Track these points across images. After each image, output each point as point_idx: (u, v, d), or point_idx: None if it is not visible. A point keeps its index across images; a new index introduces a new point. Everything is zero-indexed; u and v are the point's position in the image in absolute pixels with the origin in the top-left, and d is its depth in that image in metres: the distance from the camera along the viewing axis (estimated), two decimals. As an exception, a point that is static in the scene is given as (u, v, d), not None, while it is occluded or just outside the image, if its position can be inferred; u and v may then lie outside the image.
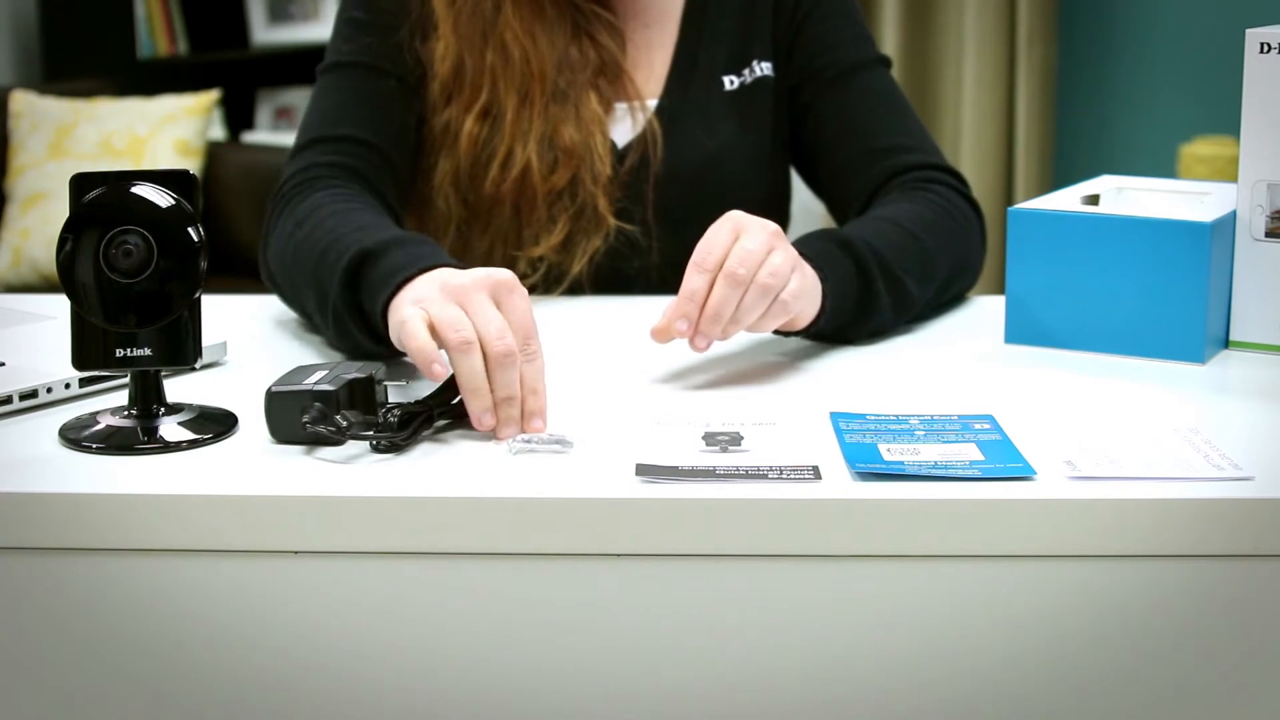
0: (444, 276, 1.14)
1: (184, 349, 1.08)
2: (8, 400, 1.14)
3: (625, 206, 1.51)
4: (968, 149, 4.07)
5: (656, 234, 1.51)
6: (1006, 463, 1.01)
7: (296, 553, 0.99)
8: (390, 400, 1.12)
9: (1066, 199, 1.36)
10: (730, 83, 1.55)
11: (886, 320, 1.34)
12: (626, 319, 1.25)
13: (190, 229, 1.07)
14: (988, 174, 4.06)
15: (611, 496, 0.98)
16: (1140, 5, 4.05)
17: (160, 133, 3.65)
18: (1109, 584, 0.97)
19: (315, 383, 1.07)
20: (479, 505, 0.98)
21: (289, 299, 1.39)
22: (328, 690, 1.01)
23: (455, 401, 1.11)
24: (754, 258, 1.18)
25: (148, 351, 1.08)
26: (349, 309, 1.24)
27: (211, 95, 3.75)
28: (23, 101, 3.70)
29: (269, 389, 1.08)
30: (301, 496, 0.99)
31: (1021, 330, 1.31)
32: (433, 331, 1.10)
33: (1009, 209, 1.32)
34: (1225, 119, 3.58)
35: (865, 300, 1.31)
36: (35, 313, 1.44)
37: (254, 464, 1.05)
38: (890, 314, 1.34)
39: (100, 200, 1.06)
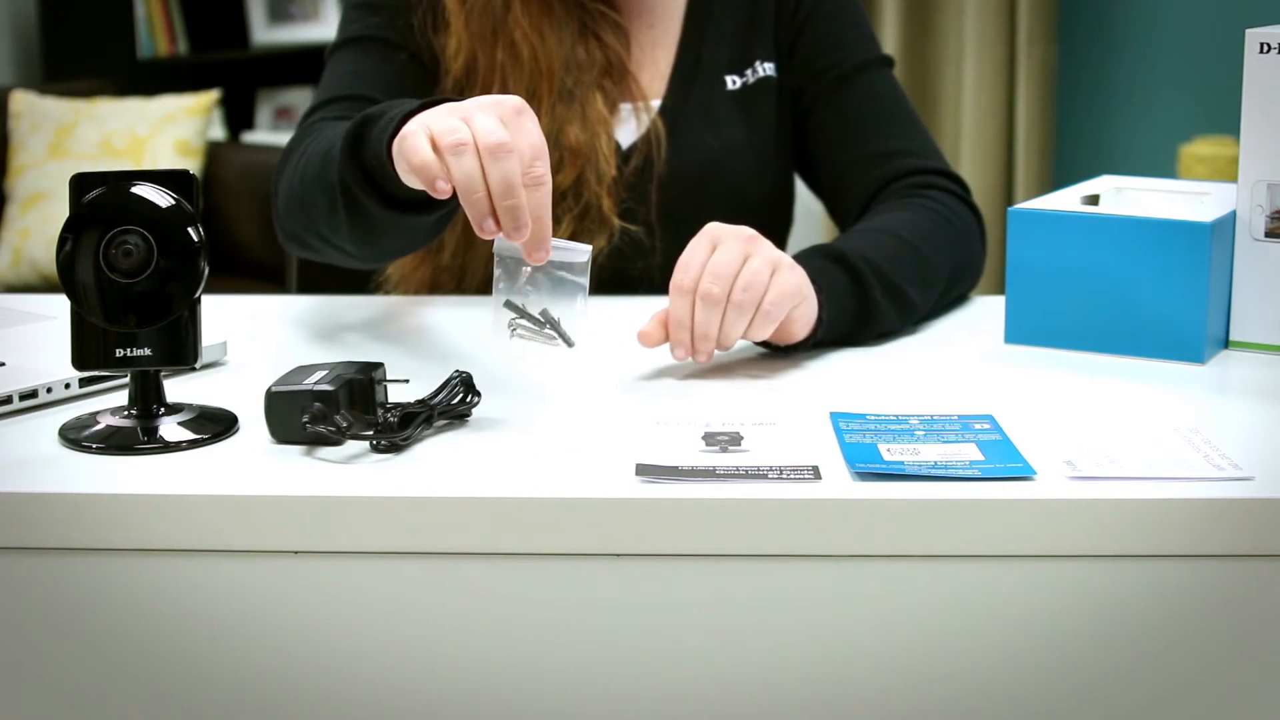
0: (448, 103, 1.12)
1: (184, 349, 1.08)
2: (8, 400, 1.14)
3: (629, 207, 1.51)
4: (968, 149, 4.06)
5: (660, 235, 1.51)
6: (1006, 463, 1.01)
7: (296, 553, 0.99)
8: (390, 400, 1.12)
9: (1066, 199, 1.36)
10: (733, 82, 1.55)
11: (892, 326, 1.34)
12: (628, 319, 1.25)
13: (190, 229, 1.07)
14: (988, 174, 4.06)
15: (611, 496, 0.98)
16: (1140, 5, 4.05)
17: (160, 133, 3.65)
18: (1109, 584, 0.97)
19: (315, 383, 1.07)
20: (479, 505, 0.98)
21: (305, 232, 1.36)
22: (328, 690, 1.01)
23: (455, 402, 1.11)
24: (727, 271, 1.18)
25: (148, 351, 1.08)
26: (354, 175, 1.21)
27: (211, 95, 3.75)
28: (23, 101, 3.70)
29: (269, 389, 1.08)
30: (301, 496, 0.99)
31: (1021, 330, 1.31)
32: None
33: (1009, 209, 1.32)
34: (1225, 119, 3.58)
35: (864, 310, 1.31)
36: (35, 313, 1.44)
37: (254, 464, 1.05)
38: (896, 320, 1.34)
39: (100, 200, 1.06)
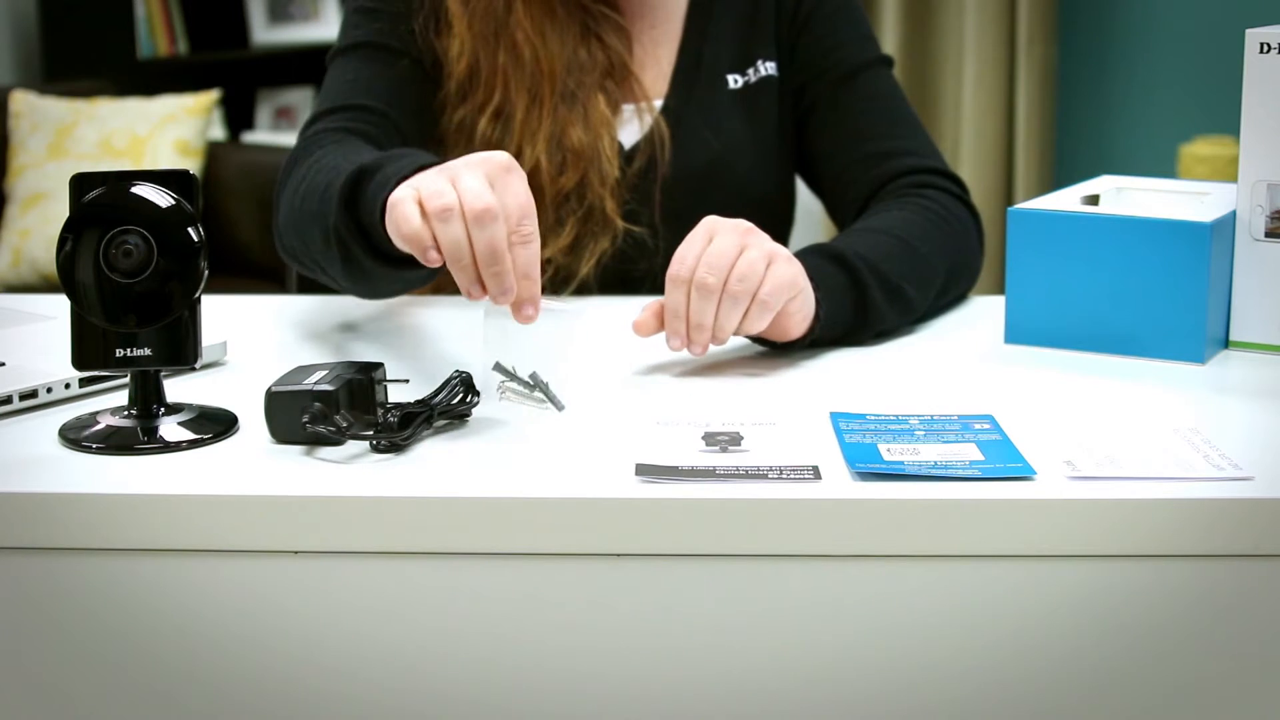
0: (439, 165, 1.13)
1: (184, 349, 1.08)
2: (8, 400, 1.14)
3: (633, 208, 1.51)
4: (968, 149, 4.06)
5: (664, 236, 1.51)
6: (1006, 463, 1.01)
7: (296, 553, 0.99)
8: (390, 400, 1.12)
9: (1066, 199, 1.36)
10: (734, 82, 1.56)
11: (890, 325, 1.34)
12: (631, 320, 1.25)
13: (190, 229, 1.07)
14: (988, 174, 4.06)
15: (611, 496, 0.98)
16: (1140, 5, 4.05)
17: (160, 133, 3.65)
18: (1109, 584, 0.97)
19: (315, 383, 1.07)
20: (479, 505, 0.98)
21: (301, 253, 1.36)
22: (328, 690, 1.01)
23: (455, 402, 1.11)
24: (723, 261, 1.18)
25: (148, 351, 1.08)
26: (349, 228, 1.21)
27: (211, 95, 3.75)
28: (23, 101, 3.70)
29: (269, 389, 1.08)
30: (301, 496, 0.99)
31: (1021, 330, 1.31)
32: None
33: (1009, 209, 1.32)
34: (1225, 119, 3.58)
35: (862, 309, 1.31)
36: (35, 313, 1.44)
37: (254, 464, 1.05)
38: (894, 319, 1.34)
39: (100, 200, 1.06)
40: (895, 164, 1.52)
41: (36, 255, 3.58)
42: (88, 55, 4.11)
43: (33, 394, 1.16)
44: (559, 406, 1.07)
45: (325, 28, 4.55)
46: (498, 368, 1.12)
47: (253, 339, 1.36)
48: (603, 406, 1.15)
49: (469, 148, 1.50)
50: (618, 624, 0.99)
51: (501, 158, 1.10)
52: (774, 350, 1.28)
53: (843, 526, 0.97)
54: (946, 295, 1.43)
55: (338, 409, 1.06)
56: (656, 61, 1.57)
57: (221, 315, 1.38)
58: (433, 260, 1.07)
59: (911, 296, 1.35)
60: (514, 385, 1.08)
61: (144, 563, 0.99)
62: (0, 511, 0.99)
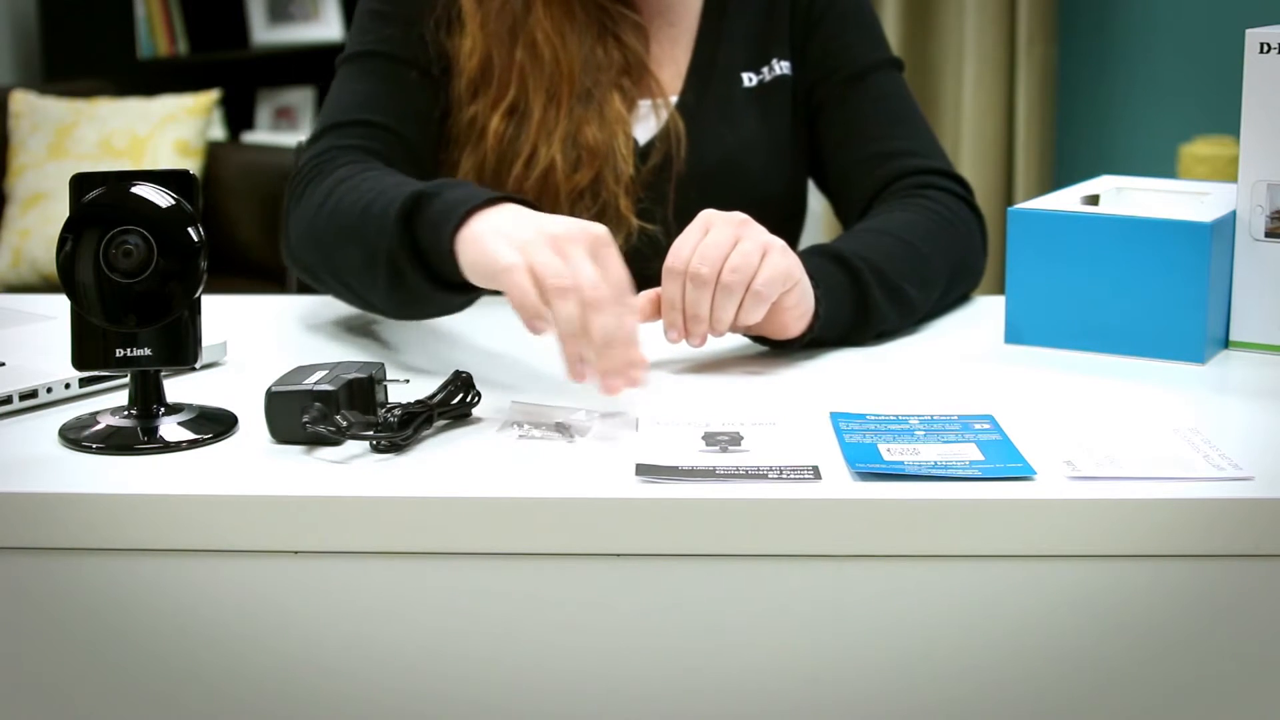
0: (537, 220, 1.14)
1: (184, 349, 1.08)
2: (8, 400, 1.14)
3: (646, 206, 1.52)
4: (968, 149, 4.06)
5: (677, 233, 1.51)
6: (1006, 463, 1.01)
7: (296, 553, 0.99)
8: (390, 400, 1.12)
9: (1066, 199, 1.36)
10: (749, 80, 1.56)
11: (891, 325, 1.34)
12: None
13: (190, 229, 1.07)
14: (988, 174, 4.06)
15: (611, 496, 0.98)
16: (1140, 5, 4.05)
17: (160, 133, 3.65)
18: (1109, 584, 0.97)
19: (315, 383, 1.07)
20: (479, 505, 0.98)
21: (321, 270, 1.36)
22: (328, 690, 1.01)
23: (455, 402, 1.11)
24: (717, 253, 1.18)
25: (148, 351, 1.08)
26: (406, 249, 1.22)
27: (211, 95, 3.75)
28: (23, 101, 3.70)
29: (269, 389, 1.08)
30: (301, 496, 0.99)
31: (1021, 330, 1.31)
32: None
33: (1009, 209, 1.32)
34: (1225, 119, 3.58)
35: (863, 309, 1.31)
36: (35, 313, 1.44)
37: (254, 464, 1.05)
38: (895, 320, 1.34)
39: (100, 200, 1.06)
40: (900, 164, 1.52)
41: (36, 255, 3.58)
42: (88, 55, 4.11)
43: (33, 394, 1.16)
44: (570, 434, 1.08)
45: (325, 28, 4.55)
46: (515, 405, 1.12)
47: (253, 339, 1.36)
48: (603, 406, 1.15)
49: (481, 145, 1.50)
50: (618, 624, 0.99)
51: (599, 230, 1.12)
52: (774, 349, 1.28)
53: (843, 526, 0.97)
54: (949, 296, 1.43)
55: (338, 409, 1.06)
56: (673, 60, 1.57)
57: (221, 315, 1.38)
58: (539, 330, 1.10)
59: (913, 297, 1.35)
60: (535, 430, 1.08)
61: (144, 563, 0.99)
62: (0, 511, 0.99)
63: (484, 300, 1.27)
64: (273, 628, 1.00)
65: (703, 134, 1.53)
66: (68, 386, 1.18)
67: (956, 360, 1.30)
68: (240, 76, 4.51)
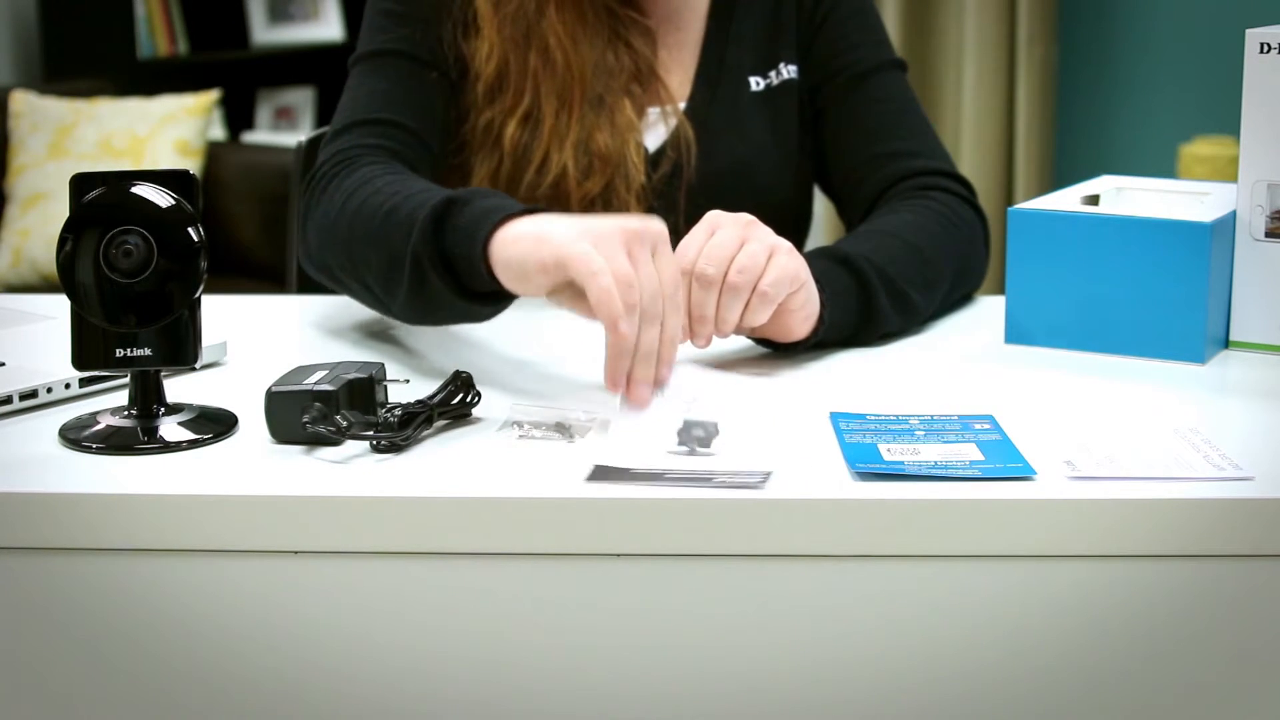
0: (585, 223, 1.13)
1: (184, 349, 1.08)
2: (8, 400, 1.14)
3: (657, 213, 1.51)
4: (968, 149, 4.06)
5: None
6: (1006, 463, 1.01)
7: (296, 553, 0.99)
8: (390, 400, 1.12)
9: (1066, 199, 1.36)
10: (757, 84, 1.56)
11: (895, 328, 1.34)
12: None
13: (190, 229, 1.07)
14: (988, 174, 4.06)
15: (611, 497, 0.98)
16: (1140, 5, 4.05)
17: (160, 133, 3.65)
18: (1109, 584, 0.97)
19: (315, 383, 1.07)
20: (479, 505, 0.98)
21: (340, 271, 1.35)
22: (328, 690, 1.01)
23: (455, 402, 1.11)
24: (724, 254, 1.18)
25: (148, 351, 1.08)
26: (432, 253, 1.21)
27: (211, 95, 3.75)
28: (23, 101, 3.70)
29: (269, 389, 1.08)
30: (301, 496, 0.99)
31: (1021, 330, 1.31)
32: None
33: (1009, 209, 1.32)
34: (1225, 119, 3.58)
35: (868, 313, 1.31)
36: (35, 313, 1.44)
37: (254, 464, 1.05)
38: (898, 323, 1.34)
39: (100, 200, 1.06)
40: (903, 165, 1.52)
41: (36, 255, 3.58)
42: (88, 55, 4.11)
43: (33, 394, 1.16)
44: (570, 434, 1.08)
45: (325, 28, 4.55)
46: (517, 409, 1.12)
47: (253, 339, 1.36)
48: (603, 406, 1.15)
49: (496, 151, 1.50)
50: (617, 624, 0.99)
51: (659, 226, 1.12)
52: (777, 352, 1.28)
53: (843, 526, 0.97)
54: (951, 296, 1.43)
55: (338, 409, 1.06)
56: (681, 64, 1.57)
57: (221, 315, 1.38)
58: (625, 334, 1.08)
59: (917, 300, 1.35)
60: (535, 431, 1.08)
61: (144, 563, 0.99)
62: (0, 511, 0.99)
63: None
64: (273, 628, 1.00)
65: (712, 141, 1.53)
66: (68, 386, 1.18)
67: (956, 360, 1.30)
68: (240, 76, 4.51)
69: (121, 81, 3.96)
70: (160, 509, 0.99)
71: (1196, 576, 0.98)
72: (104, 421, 1.09)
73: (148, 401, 1.10)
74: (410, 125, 1.47)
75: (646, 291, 1.09)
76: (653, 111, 1.53)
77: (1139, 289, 1.26)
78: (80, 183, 1.07)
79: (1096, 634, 0.98)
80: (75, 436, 1.08)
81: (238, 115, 4.49)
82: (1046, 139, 4.10)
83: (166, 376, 1.17)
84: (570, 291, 1.13)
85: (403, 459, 1.04)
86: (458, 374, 1.13)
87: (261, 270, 3.58)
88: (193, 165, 3.65)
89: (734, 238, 1.19)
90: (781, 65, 1.57)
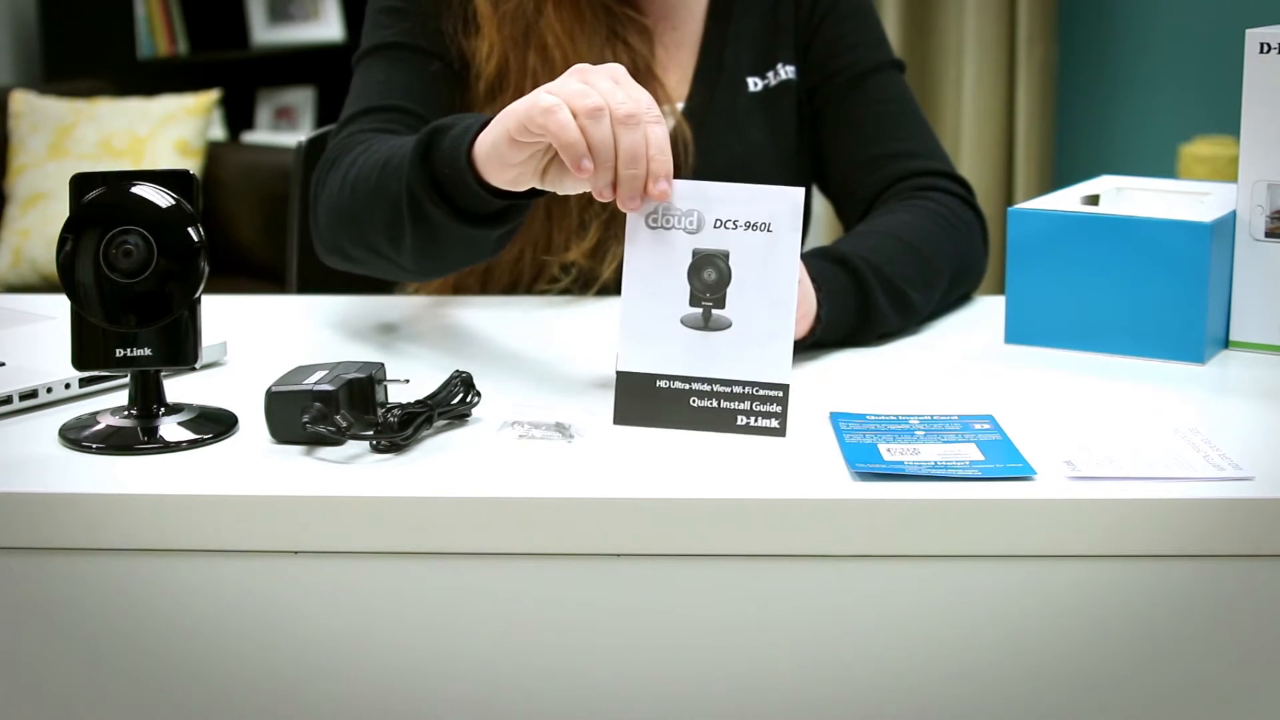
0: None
1: (184, 349, 1.08)
2: (8, 400, 1.14)
3: None
4: (968, 149, 4.06)
5: None
6: (1006, 463, 1.01)
7: (296, 553, 0.99)
8: (390, 400, 1.12)
9: (1066, 199, 1.36)
10: (755, 85, 1.56)
11: (892, 328, 1.34)
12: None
13: (190, 229, 1.07)
14: (988, 174, 4.06)
15: (612, 496, 0.98)
16: (1140, 5, 4.05)
17: (160, 133, 3.65)
18: (1109, 584, 0.97)
19: (315, 383, 1.07)
20: (479, 505, 0.98)
21: (351, 245, 1.36)
22: (328, 690, 1.01)
23: (455, 402, 1.11)
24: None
25: (148, 351, 1.08)
26: (425, 189, 1.21)
27: (211, 95, 3.75)
28: (23, 101, 3.70)
29: (269, 389, 1.08)
30: (301, 496, 0.99)
31: (1021, 330, 1.31)
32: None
33: (1009, 209, 1.32)
34: (1225, 119, 3.58)
35: (866, 312, 1.31)
36: (35, 313, 1.44)
37: (254, 464, 1.05)
38: (896, 322, 1.34)
39: (100, 200, 1.06)
40: (901, 166, 1.52)
41: (36, 255, 3.58)
42: (88, 55, 4.11)
43: (33, 394, 1.16)
44: (569, 434, 1.08)
45: (325, 28, 4.55)
46: (517, 410, 1.13)
47: (253, 339, 1.36)
48: (602, 405, 1.15)
49: None
50: (617, 624, 0.99)
51: (615, 67, 1.12)
52: None
53: (843, 526, 0.97)
54: (950, 296, 1.43)
55: (338, 409, 1.06)
56: (679, 64, 1.57)
57: (221, 315, 1.38)
58: (586, 170, 1.08)
59: (915, 299, 1.35)
60: (535, 431, 1.08)
61: (144, 563, 0.99)
62: (0, 511, 0.99)
63: (485, 300, 1.28)
64: (273, 628, 1.00)
65: (710, 141, 1.53)
66: (68, 386, 1.18)
67: (956, 360, 1.30)
68: (240, 76, 4.51)
69: (121, 81, 3.96)
70: (160, 509, 0.99)
71: (1196, 576, 0.98)
72: (104, 421, 1.09)
73: (148, 401, 1.10)
74: (416, 110, 1.47)
75: (614, 103, 1.08)
76: None
77: (1139, 289, 1.26)
78: (80, 183, 1.07)
79: (1096, 634, 0.98)
80: (75, 436, 1.08)
81: (238, 115, 4.49)
82: (1046, 139, 4.10)
83: (166, 376, 1.17)
84: (557, 162, 1.13)
85: (403, 459, 1.04)
86: (458, 374, 1.13)
87: (261, 270, 3.58)
88: (193, 165, 3.65)
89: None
90: (779, 66, 1.57)
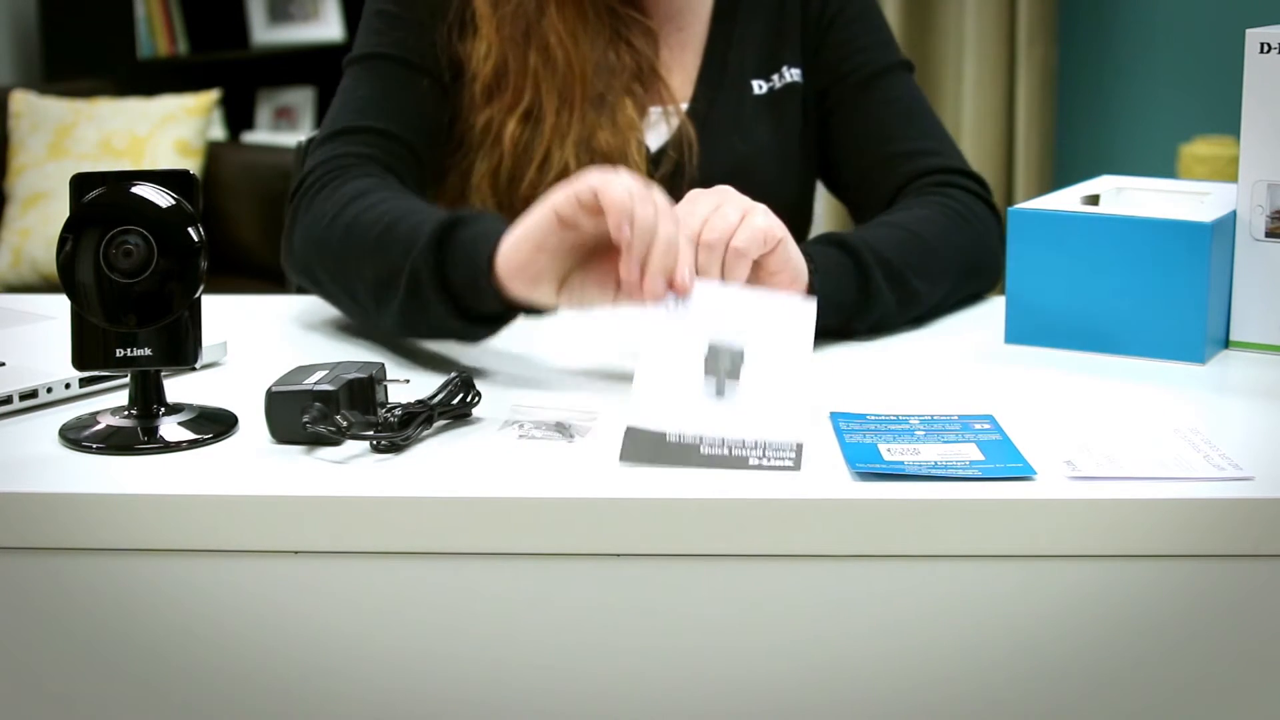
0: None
1: (184, 349, 1.08)
2: (8, 400, 1.14)
3: None
4: (968, 149, 4.06)
5: None
6: (1006, 463, 1.01)
7: (296, 553, 0.99)
8: (390, 400, 1.12)
9: (1066, 199, 1.36)
10: (759, 87, 1.56)
11: (890, 313, 1.34)
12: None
13: (190, 229, 1.07)
14: (988, 174, 4.06)
15: (611, 496, 0.98)
16: (1140, 5, 4.05)
17: (160, 133, 3.65)
18: (1109, 584, 0.97)
19: (315, 383, 1.07)
20: (479, 505, 0.98)
21: (327, 280, 1.36)
22: (328, 690, 1.01)
23: (455, 402, 1.11)
24: (695, 221, 1.18)
25: (148, 351, 1.08)
26: (432, 273, 1.22)
27: (211, 95, 3.75)
28: (23, 101, 3.70)
29: (269, 389, 1.08)
30: (301, 496, 0.99)
31: (1021, 330, 1.31)
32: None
33: (1009, 209, 1.32)
34: (1225, 119, 3.58)
35: (863, 290, 1.31)
36: (35, 313, 1.44)
37: (254, 464, 1.05)
38: (896, 308, 1.34)
39: (100, 200, 1.06)
40: (918, 164, 1.52)
41: (36, 255, 3.58)
42: (88, 55, 4.11)
43: (33, 394, 1.16)
44: (570, 433, 1.08)
45: (325, 28, 4.55)
46: (517, 409, 1.12)
47: (253, 339, 1.36)
48: (603, 406, 1.15)
49: (496, 150, 1.50)
50: (617, 624, 0.99)
51: (641, 181, 1.15)
52: None
53: (842, 526, 0.97)
54: (959, 292, 1.43)
55: (338, 409, 1.06)
56: (683, 65, 1.57)
57: (221, 315, 1.38)
58: (624, 236, 1.09)
59: (917, 287, 1.35)
60: (535, 430, 1.08)
61: (144, 563, 0.99)
62: (0, 511, 0.99)
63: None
64: (273, 628, 1.00)
65: (714, 142, 1.53)
66: (68, 386, 1.18)
67: (956, 360, 1.30)
68: (240, 76, 4.51)
69: (121, 81, 3.96)
70: (160, 509, 0.99)
71: (1196, 576, 0.98)
72: (104, 421, 1.09)
73: (148, 401, 1.10)
74: (399, 134, 1.47)
75: (659, 199, 1.12)
76: (654, 111, 1.53)
77: (1139, 289, 1.26)
78: (80, 183, 1.07)
79: (1096, 634, 0.98)
80: (75, 436, 1.08)
81: (238, 115, 4.49)
82: (1046, 139, 4.10)
83: (166, 376, 1.17)
84: (581, 271, 1.15)
85: (403, 459, 1.04)
86: (458, 374, 1.13)
87: (261, 270, 3.58)
88: (193, 165, 3.65)
89: (709, 205, 1.20)
90: (785, 69, 1.57)
